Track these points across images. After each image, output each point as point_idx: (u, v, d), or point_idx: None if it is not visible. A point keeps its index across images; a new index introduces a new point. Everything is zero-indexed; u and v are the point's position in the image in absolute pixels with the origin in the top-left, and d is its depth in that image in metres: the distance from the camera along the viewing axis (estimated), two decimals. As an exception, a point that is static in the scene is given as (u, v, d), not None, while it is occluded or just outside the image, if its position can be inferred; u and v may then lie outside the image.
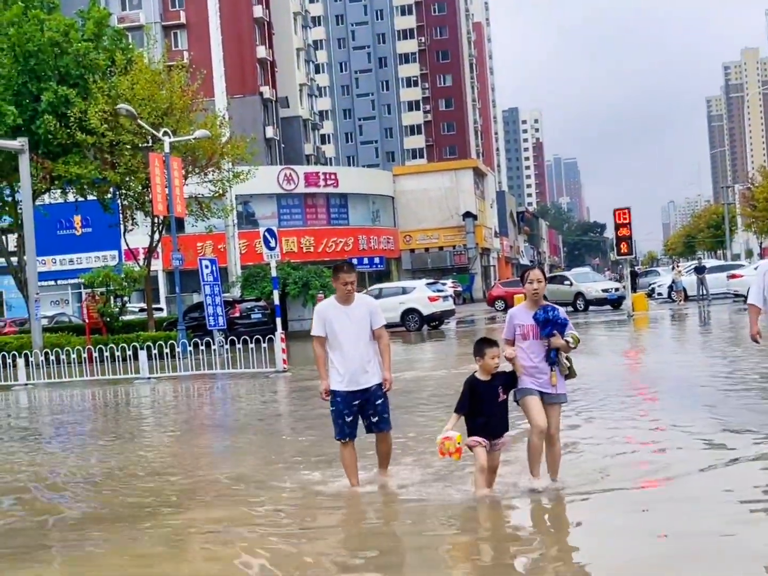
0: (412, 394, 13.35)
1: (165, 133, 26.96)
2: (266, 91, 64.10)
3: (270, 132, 63.74)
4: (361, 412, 7.34)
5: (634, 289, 34.49)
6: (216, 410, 15.22)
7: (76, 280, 40.90)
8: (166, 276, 50.46)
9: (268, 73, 65.56)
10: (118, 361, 19.86)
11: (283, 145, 67.22)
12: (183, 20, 61.95)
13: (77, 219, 46.00)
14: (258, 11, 63.69)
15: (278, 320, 20.92)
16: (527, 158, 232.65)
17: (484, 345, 6.73)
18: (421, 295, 31.84)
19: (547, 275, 38.82)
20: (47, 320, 35.59)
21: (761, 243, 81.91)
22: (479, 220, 70.93)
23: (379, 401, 7.33)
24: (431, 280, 39.18)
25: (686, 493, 6.76)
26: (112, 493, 8.25)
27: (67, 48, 28.51)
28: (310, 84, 75.83)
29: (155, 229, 30.89)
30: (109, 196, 31.35)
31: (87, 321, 29.66)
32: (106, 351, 20.39)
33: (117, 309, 29.66)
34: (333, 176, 59.36)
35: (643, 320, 27.94)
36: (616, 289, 36.18)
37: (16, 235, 31.07)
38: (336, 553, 6.03)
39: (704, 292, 35.67)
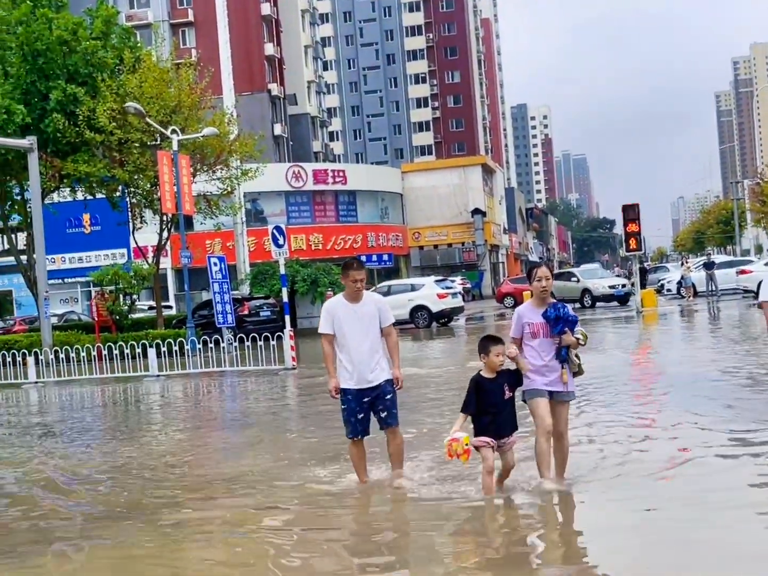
0: (421, 391, 13.34)
1: (173, 131, 26.99)
2: (274, 88, 64.12)
3: (278, 129, 63.76)
4: (372, 408, 7.32)
5: (643, 285, 34.37)
6: (225, 407, 15.23)
7: (85, 278, 41.02)
8: (174, 274, 50.53)
9: (276, 71, 65.57)
10: (128, 358, 19.91)
11: (291, 143, 67.24)
12: (191, 18, 62.03)
13: (86, 217, 46.15)
14: (266, 8, 63.70)
15: (287, 317, 20.95)
16: (536, 154, 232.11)
17: (488, 342, 6.68)
18: (430, 292, 31.82)
19: (556, 272, 38.49)
20: (57, 318, 35.71)
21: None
22: (488, 217, 70.82)
23: (389, 396, 7.30)
24: (440, 277, 39.14)
25: (699, 491, 6.69)
26: (120, 490, 8.28)
27: (75, 46, 28.55)
28: (318, 81, 75.82)
29: (164, 226, 30.95)
30: (118, 194, 31.41)
31: (96, 319, 29.72)
32: (116, 349, 20.44)
33: (126, 307, 29.72)
34: (341, 173, 59.31)
35: (653, 316, 27.86)
36: (623, 286, 36.15)
37: (25, 234, 31.17)
38: (342, 550, 6.01)
39: (713, 287, 35.55)
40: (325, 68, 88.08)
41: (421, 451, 8.60)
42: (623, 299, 35.29)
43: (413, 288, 32.62)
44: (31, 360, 20.59)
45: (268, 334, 19.39)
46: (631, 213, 28.67)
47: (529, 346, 6.82)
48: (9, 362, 21.13)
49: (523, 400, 6.89)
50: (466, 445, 6.45)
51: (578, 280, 36.28)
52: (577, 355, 6.90)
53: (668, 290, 41.07)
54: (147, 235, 34.33)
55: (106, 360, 20.68)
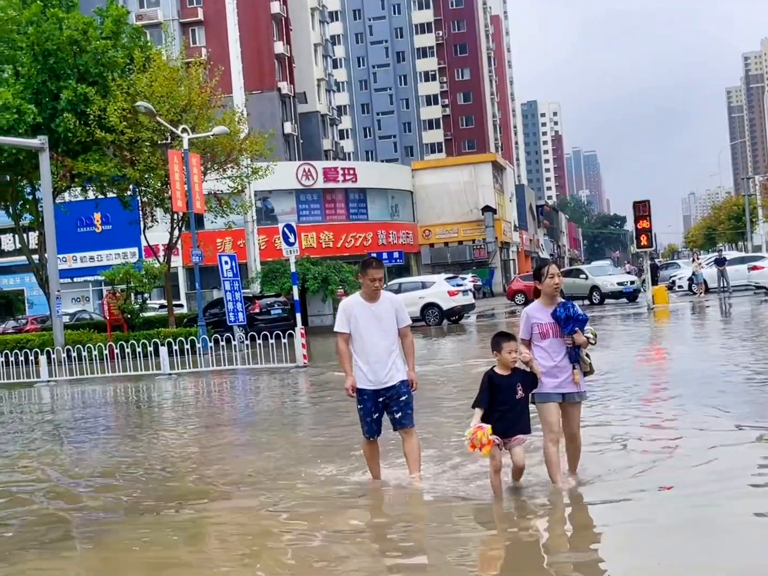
0: (431, 388, 13.33)
1: (184, 130, 27.04)
2: (284, 86, 64.16)
3: (288, 128, 63.80)
4: (386, 408, 7.27)
5: (655, 281, 34.27)
6: (236, 405, 15.25)
7: (96, 277, 41.17)
8: (185, 272, 50.67)
9: (286, 69, 65.60)
10: (139, 357, 19.96)
11: (301, 141, 67.28)
12: (200, 17, 62.11)
13: (97, 216, 46.26)
14: (275, 7, 63.73)
15: (298, 315, 20.98)
16: (546, 151, 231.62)
17: (501, 339, 6.62)
18: (440, 290, 31.79)
19: (565, 269, 38.53)
20: (68, 317, 35.85)
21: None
22: (498, 214, 70.70)
23: (404, 397, 7.21)
24: (451, 275, 39.15)
25: (712, 490, 6.62)
26: (133, 487, 8.31)
27: (85, 46, 28.63)
28: (328, 79, 75.82)
29: (175, 225, 31.02)
30: (129, 193, 31.50)
31: (108, 318, 29.83)
32: (127, 347, 20.50)
33: (137, 306, 29.82)
34: (352, 171, 59.31)
35: (664, 313, 27.77)
36: (632, 282, 36.07)
37: (36, 233, 31.30)
38: (353, 548, 6.01)
39: (725, 284, 35.41)
40: (335, 66, 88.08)
41: (430, 449, 8.55)
42: (632, 296, 35.22)
43: (424, 286, 32.59)
44: (43, 359, 20.68)
45: (280, 332, 19.42)
46: (642, 209, 28.59)
47: (538, 347, 6.69)
48: (21, 361, 21.23)
49: (532, 402, 6.82)
50: (490, 435, 6.36)
51: (587, 277, 36.22)
52: (587, 355, 6.81)
53: (679, 287, 40.95)
54: (158, 233, 34.42)
55: (117, 359, 20.75)
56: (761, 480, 6.78)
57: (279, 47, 64.05)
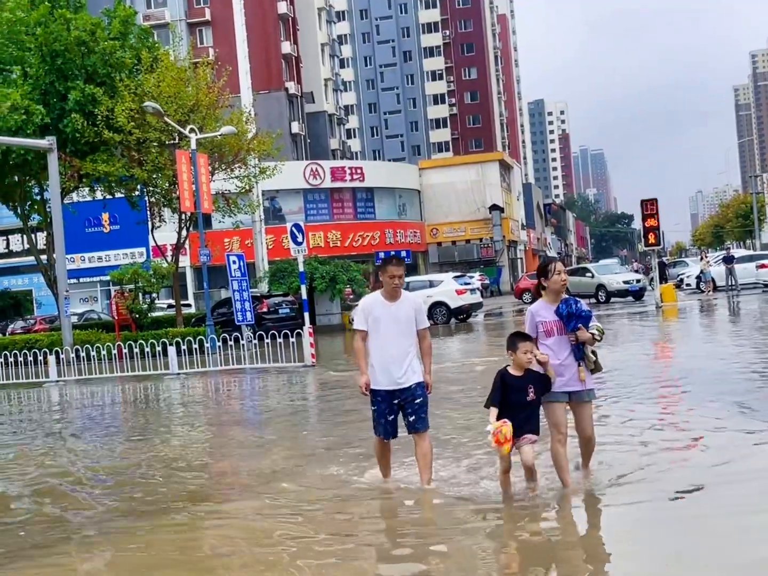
0: (441, 387, 13.32)
1: (191, 130, 27.09)
2: (291, 86, 64.20)
3: (295, 127, 63.85)
4: (401, 410, 7.15)
5: (663, 280, 34.21)
6: (245, 405, 15.28)
7: (104, 277, 41.28)
8: (193, 272, 50.78)
9: (293, 69, 65.63)
10: (148, 357, 20.00)
11: (308, 140, 67.33)
12: (208, 17, 62.16)
13: (105, 216, 46.48)
14: (282, 7, 63.77)
15: (306, 315, 21.00)
16: (553, 150, 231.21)
17: (516, 339, 6.54)
18: (448, 288, 31.79)
19: (571, 267, 38.43)
20: (77, 317, 35.96)
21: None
22: (506, 213, 70.66)
23: (418, 400, 7.09)
24: (458, 273, 39.13)
25: (724, 492, 6.57)
26: (143, 486, 8.33)
27: (93, 47, 28.71)
28: (335, 79, 75.85)
29: (182, 225, 31.08)
30: (137, 193, 31.59)
31: (116, 318, 29.91)
32: (136, 347, 20.55)
33: (146, 305, 29.88)
34: (359, 170, 59.36)
35: (672, 311, 27.71)
36: (638, 281, 36.02)
37: (45, 234, 31.40)
38: (361, 550, 5.99)
39: (733, 282, 35.32)
40: (342, 66, 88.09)
41: (440, 449, 8.49)
42: (638, 294, 35.19)
43: (432, 284, 32.59)
44: (52, 359, 20.75)
45: (288, 332, 19.45)
46: (649, 208, 28.54)
47: (544, 345, 6.61)
48: (30, 361, 21.30)
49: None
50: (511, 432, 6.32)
51: (593, 276, 36.19)
52: (593, 352, 6.69)
53: (688, 285, 40.85)
54: (165, 233, 34.50)
55: (126, 358, 20.80)
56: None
57: (286, 47, 64.09)
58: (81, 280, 48.30)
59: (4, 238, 52.61)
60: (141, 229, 34.36)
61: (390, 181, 62.29)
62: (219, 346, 21.17)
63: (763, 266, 33.46)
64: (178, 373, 19.60)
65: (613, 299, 35.28)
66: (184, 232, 31.19)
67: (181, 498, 7.77)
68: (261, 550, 6.07)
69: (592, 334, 6.61)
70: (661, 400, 10.88)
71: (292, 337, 19.07)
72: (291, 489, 7.68)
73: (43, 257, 31.20)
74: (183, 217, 30.71)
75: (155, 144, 28.89)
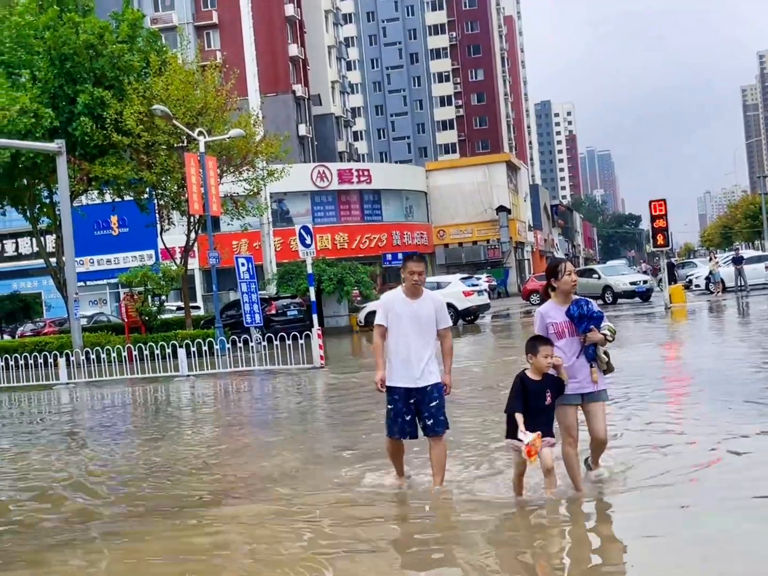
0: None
1: (200, 133, 27.16)
2: (299, 89, 64.30)
3: (303, 130, 63.94)
4: (417, 412, 7.06)
5: (672, 281, 34.15)
6: (254, 407, 15.31)
7: (113, 280, 41.38)
8: (202, 274, 50.86)
9: (300, 71, 65.73)
10: (157, 359, 20.06)
11: (316, 143, 67.41)
12: (215, 20, 62.27)
13: (114, 219, 46.61)
14: (289, 10, 63.85)
15: (314, 317, 21.03)
16: (560, 151, 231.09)
17: (537, 343, 6.40)
18: (455, 290, 31.78)
19: (579, 269, 38.24)
20: (86, 320, 36.07)
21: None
22: (513, 214, 70.63)
23: (434, 402, 7.01)
24: (465, 275, 39.12)
25: (735, 494, 6.53)
26: (154, 488, 8.37)
27: (102, 50, 28.80)
28: (342, 81, 75.93)
29: (191, 228, 31.16)
30: (146, 196, 31.68)
31: (126, 320, 29.99)
32: (146, 349, 20.61)
33: (155, 308, 29.96)
34: (366, 173, 59.41)
35: (682, 312, 27.67)
36: (645, 282, 35.99)
37: (54, 236, 31.50)
38: (372, 554, 5.96)
39: (742, 283, 35.26)
40: (349, 68, 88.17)
41: (450, 450, 8.47)
42: (645, 296, 35.16)
43: (439, 286, 32.55)
44: (62, 361, 20.82)
45: (296, 333, 19.48)
46: (658, 208, 28.52)
47: (555, 347, 6.50)
48: (41, 363, 21.39)
49: None
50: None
51: (599, 277, 36.15)
52: (605, 352, 6.61)
53: (696, 286, 40.76)
54: (174, 236, 34.60)
55: (136, 360, 20.86)
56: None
57: (293, 50, 64.18)
58: (90, 282, 48.42)
59: (14, 241, 52.80)
60: (150, 231, 34.44)
61: (397, 183, 62.33)
62: (228, 348, 21.21)
63: (772, 267, 33.37)
64: (188, 375, 19.65)
65: (620, 300, 35.25)
66: (192, 235, 31.27)
67: (188, 502, 7.77)
68: (266, 555, 6.07)
69: (604, 335, 6.54)
70: (677, 401, 10.85)
71: (301, 339, 19.11)
72: (300, 491, 7.66)
73: (53, 260, 31.30)
74: (192, 219, 30.78)
75: (164, 147, 28.98)
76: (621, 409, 10.07)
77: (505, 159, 74.90)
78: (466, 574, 5.37)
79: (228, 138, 28.44)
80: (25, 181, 29.88)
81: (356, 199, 58.75)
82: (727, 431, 8.37)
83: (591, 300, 6.70)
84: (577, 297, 6.64)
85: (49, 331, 36.41)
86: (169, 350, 20.10)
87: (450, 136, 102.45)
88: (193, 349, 20.13)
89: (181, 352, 19.76)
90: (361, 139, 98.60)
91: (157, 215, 32.15)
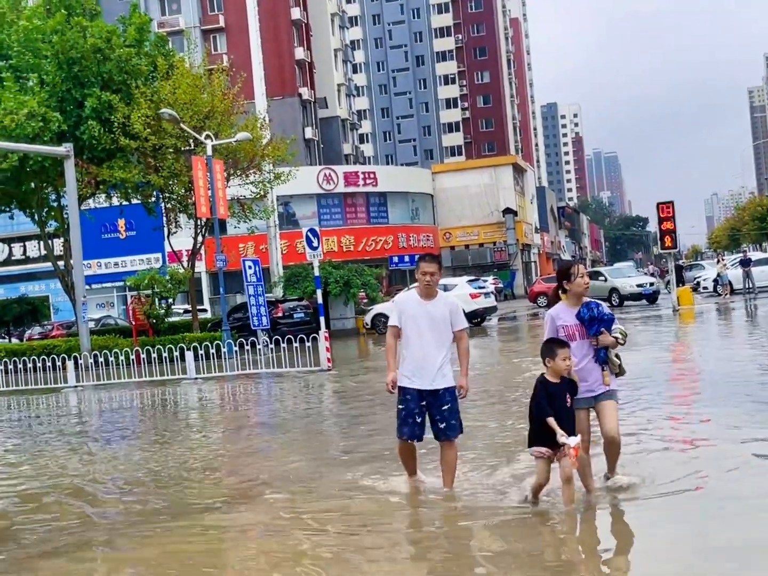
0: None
1: (207, 137, 27.24)
2: (305, 92, 64.41)
3: (309, 133, 64.04)
4: (429, 414, 6.98)
5: (680, 283, 34.10)
6: (262, 409, 15.33)
7: (120, 283, 41.45)
8: (209, 277, 50.96)
9: (307, 75, 65.86)
10: (165, 362, 20.10)
11: (322, 146, 67.50)
12: (222, 24, 62.45)
13: (121, 222, 46.74)
14: (296, 13, 64.00)
15: (321, 319, 21.06)
16: (567, 153, 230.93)
17: (555, 346, 6.30)
18: (462, 293, 31.72)
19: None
20: (93, 323, 36.17)
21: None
22: (519, 216, 70.61)
23: (446, 406, 6.92)
24: (472, 277, 39.10)
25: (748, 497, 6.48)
26: (161, 492, 8.37)
27: (109, 54, 28.89)
28: (348, 84, 76.04)
29: (198, 231, 31.22)
30: (153, 199, 31.76)
31: (134, 323, 30.06)
32: (153, 352, 20.66)
33: (163, 311, 30.02)
34: (372, 175, 59.46)
35: (690, 315, 27.61)
36: (651, 284, 35.95)
37: (62, 240, 31.60)
38: (379, 557, 5.94)
39: (750, 285, 35.20)
40: (355, 71, 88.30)
41: (469, 453, 8.42)
42: (651, 298, 35.10)
43: (446, 288, 32.49)
44: (70, 364, 20.88)
45: (303, 336, 19.51)
46: (666, 210, 28.50)
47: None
48: (48, 366, 21.45)
49: None
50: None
51: (606, 279, 36.09)
52: (617, 355, 6.55)
53: (704, 288, 40.67)
54: (181, 239, 34.69)
55: (144, 363, 20.90)
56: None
57: (299, 53, 64.31)
58: (97, 285, 48.56)
59: (22, 244, 53.01)
60: (157, 234, 34.54)
61: (403, 186, 62.36)
62: (235, 351, 21.26)
63: (780, 269, 33.30)
64: (196, 378, 19.70)
65: (626, 303, 35.20)
66: (199, 238, 31.33)
67: (192, 507, 7.76)
68: (270, 561, 6.08)
69: (615, 338, 6.49)
70: (690, 404, 10.79)
71: (308, 341, 19.13)
72: (307, 494, 7.65)
73: (60, 263, 31.39)
74: (199, 222, 30.85)
75: (171, 150, 29.06)
76: (635, 412, 9.97)
77: (511, 161, 74.89)
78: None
79: (235, 141, 28.52)
80: (33, 185, 29.98)
81: (362, 202, 58.80)
82: (748, 434, 8.28)
83: (601, 302, 6.65)
84: (588, 299, 6.59)
85: (57, 334, 36.51)
86: (176, 353, 20.15)
87: (456, 139, 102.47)
88: (201, 351, 20.19)
89: (189, 355, 19.80)
90: (367, 141, 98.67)
91: (164, 218, 32.24)
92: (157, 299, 29.74)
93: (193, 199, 28.42)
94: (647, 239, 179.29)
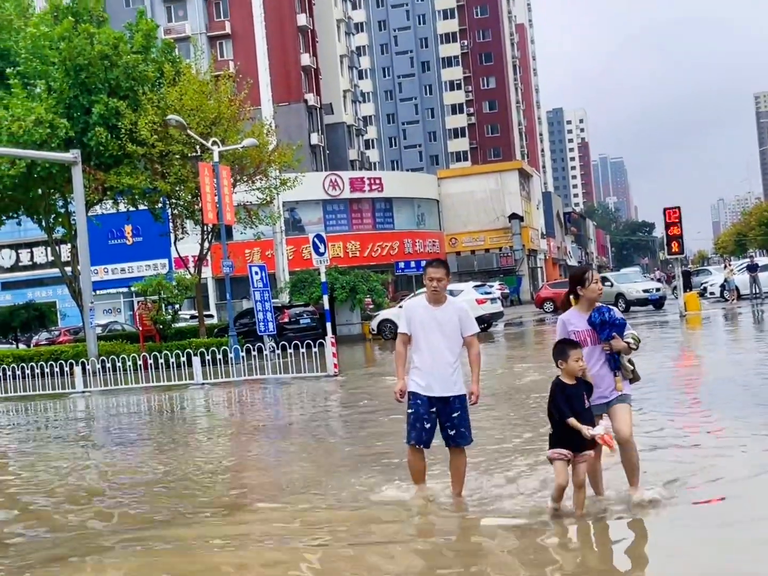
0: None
1: (214, 143, 27.29)
2: (311, 98, 64.53)
3: (315, 138, 64.15)
4: (439, 421, 6.93)
5: (687, 288, 34.04)
6: (269, 415, 15.33)
7: (127, 289, 41.52)
8: (215, 283, 51.01)
9: (313, 81, 65.98)
10: (172, 367, 20.12)
11: (328, 152, 67.60)
12: (228, 30, 62.63)
13: (128, 228, 46.88)
14: (302, 19, 64.15)
15: (328, 325, 21.06)
16: (573, 158, 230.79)
17: (567, 347, 6.27)
18: (468, 298, 31.63)
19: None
20: (100, 328, 36.22)
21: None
22: (525, 222, 70.61)
23: (456, 414, 6.88)
24: (478, 283, 39.09)
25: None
26: (167, 497, 8.38)
27: (116, 61, 28.98)
28: (353, 90, 76.16)
29: (205, 237, 31.25)
30: (160, 205, 31.83)
31: (141, 328, 30.10)
32: (160, 358, 20.68)
33: (169, 316, 30.06)
34: (378, 181, 59.51)
35: (696, 320, 27.56)
36: (657, 290, 35.89)
37: (69, 246, 31.68)
38: (384, 564, 5.90)
39: (757, 290, 35.14)
40: (361, 77, 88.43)
41: (480, 460, 8.34)
42: (658, 303, 35.04)
43: (452, 294, 32.23)
44: (78, 370, 20.92)
45: (310, 342, 19.52)
46: (672, 216, 28.46)
47: None
48: (56, 372, 21.49)
49: None
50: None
51: (612, 285, 36.04)
52: (630, 361, 6.47)
53: (711, 293, 40.58)
54: (188, 245, 34.71)
55: (151, 369, 20.92)
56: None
57: (305, 59, 64.46)
58: (104, 291, 48.66)
59: (29, 250, 53.18)
60: (163, 240, 34.61)
61: (408, 191, 62.40)
62: (242, 357, 21.27)
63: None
64: (203, 383, 19.72)
65: (633, 308, 35.14)
66: (206, 244, 31.36)
67: (198, 515, 7.74)
68: (282, 557, 6.08)
69: (628, 343, 6.42)
70: (704, 413, 10.73)
71: (314, 347, 19.14)
72: (313, 500, 7.64)
73: (68, 269, 31.46)
74: (205, 228, 30.88)
75: (178, 156, 29.11)
76: (652, 420, 9.86)
77: (517, 166, 74.92)
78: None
79: (241, 147, 28.56)
80: (40, 191, 30.06)
81: (368, 208, 58.85)
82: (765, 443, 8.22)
83: (613, 307, 6.60)
84: (599, 304, 6.55)
85: (64, 339, 36.59)
86: (183, 358, 20.18)
87: (462, 144, 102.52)
88: (208, 357, 20.20)
89: (196, 361, 19.83)
90: (373, 147, 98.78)
91: (170, 224, 32.28)
92: (163, 305, 29.79)
93: (200, 205, 28.46)
94: (653, 245, 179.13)
